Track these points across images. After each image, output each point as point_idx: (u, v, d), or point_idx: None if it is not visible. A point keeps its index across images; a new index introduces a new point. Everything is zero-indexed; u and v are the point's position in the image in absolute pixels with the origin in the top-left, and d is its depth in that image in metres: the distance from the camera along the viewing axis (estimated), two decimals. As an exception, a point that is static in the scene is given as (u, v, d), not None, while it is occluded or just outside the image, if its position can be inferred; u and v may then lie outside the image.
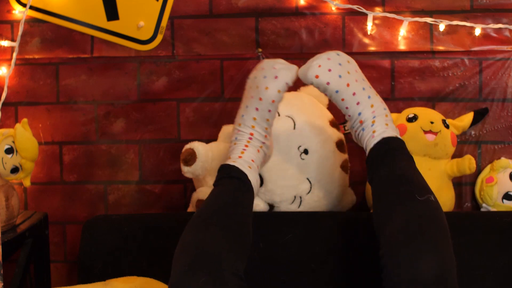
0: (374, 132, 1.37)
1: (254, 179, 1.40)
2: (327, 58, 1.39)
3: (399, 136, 1.38)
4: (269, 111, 1.44)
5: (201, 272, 1.13)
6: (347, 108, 1.41)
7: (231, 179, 1.37)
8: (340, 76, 1.38)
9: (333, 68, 1.39)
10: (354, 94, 1.39)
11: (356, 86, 1.40)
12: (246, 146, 1.44)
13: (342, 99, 1.40)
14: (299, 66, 1.85)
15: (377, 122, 1.38)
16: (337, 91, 1.39)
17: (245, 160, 1.41)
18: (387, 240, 1.17)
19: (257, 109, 1.44)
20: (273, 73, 1.42)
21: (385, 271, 1.14)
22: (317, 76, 1.38)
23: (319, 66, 1.38)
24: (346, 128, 1.44)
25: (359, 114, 1.40)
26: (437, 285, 1.09)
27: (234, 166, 1.38)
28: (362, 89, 1.41)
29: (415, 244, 1.13)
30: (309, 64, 1.40)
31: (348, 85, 1.39)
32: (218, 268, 1.15)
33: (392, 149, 1.35)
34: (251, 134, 1.45)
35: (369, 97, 1.40)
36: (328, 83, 1.38)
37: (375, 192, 1.33)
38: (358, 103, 1.40)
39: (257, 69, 1.47)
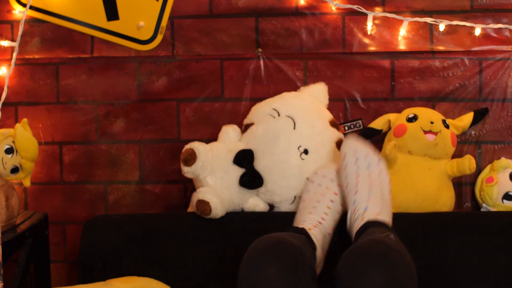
0: (363, 219, 1.38)
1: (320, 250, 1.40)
2: (365, 156, 1.48)
3: (384, 220, 1.37)
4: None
5: (284, 253, 1.16)
6: (347, 195, 1.46)
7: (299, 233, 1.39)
8: (357, 168, 1.46)
9: (360, 164, 1.47)
10: (357, 184, 1.44)
11: (365, 186, 1.44)
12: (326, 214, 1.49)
13: (347, 184, 1.46)
14: (299, 66, 1.86)
15: (368, 210, 1.39)
16: (346, 176, 1.47)
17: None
18: (340, 261, 1.20)
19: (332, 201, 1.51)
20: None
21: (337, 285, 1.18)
22: (344, 158, 1.49)
23: (355, 156, 1.47)
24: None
25: (354, 202, 1.42)
26: None
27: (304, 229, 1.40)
28: (368, 189, 1.43)
29: (365, 259, 1.15)
30: (354, 146, 1.49)
31: (357, 176, 1.45)
32: (300, 255, 1.19)
33: (373, 225, 1.35)
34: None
35: (369, 194, 1.43)
36: (346, 166, 1.47)
37: None
38: (356, 192, 1.43)
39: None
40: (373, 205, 1.40)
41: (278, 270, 1.15)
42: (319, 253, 1.38)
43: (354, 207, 1.42)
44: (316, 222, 1.43)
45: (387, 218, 1.39)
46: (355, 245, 1.22)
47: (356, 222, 1.39)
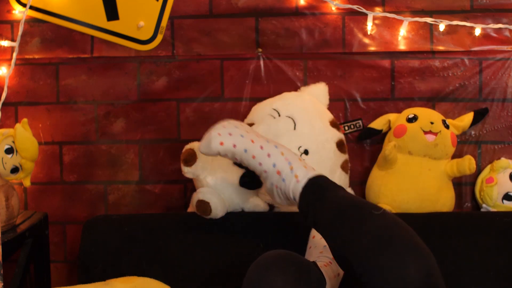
0: (296, 176, 1.34)
1: None
2: (222, 126, 1.41)
3: (321, 173, 1.35)
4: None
5: (292, 263, 1.16)
6: (260, 164, 1.39)
7: None
8: (242, 136, 1.40)
9: (232, 131, 1.40)
10: (261, 147, 1.39)
11: (260, 140, 1.40)
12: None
13: (253, 156, 1.40)
14: (299, 66, 1.86)
15: (294, 167, 1.36)
16: (245, 150, 1.40)
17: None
18: (359, 256, 1.14)
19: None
20: None
21: (365, 278, 1.11)
22: (221, 143, 1.39)
23: (219, 134, 1.39)
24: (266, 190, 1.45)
25: (274, 165, 1.38)
26: (427, 284, 1.08)
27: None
28: (266, 141, 1.41)
29: (395, 249, 1.11)
30: (207, 137, 1.40)
31: (252, 141, 1.40)
32: (307, 273, 1.18)
33: (322, 186, 1.32)
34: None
35: (275, 147, 1.40)
36: (234, 146, 1.39)
37: (325, 229, 1.27)
38: (268, 155, 1.39)
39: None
40: (290, 157, 1.37)
41: (284, 281, 1.12)
42: None
43: (276, 169, 1.37)
44: (327, 262, 1.37)
45: (305, 162, 1.37)
46: (372, 240, 1.14)
47: (287, 182, 1.35)
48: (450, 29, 1.82)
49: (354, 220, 1.21)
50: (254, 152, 1.39)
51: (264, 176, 1.41)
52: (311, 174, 1.34)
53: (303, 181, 1.33)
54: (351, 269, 1.16)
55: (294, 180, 1.34)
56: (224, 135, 1.40)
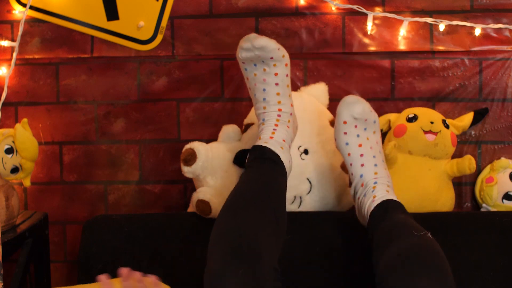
0: (374, 197, 1.39)
1: (286, 160, 1.42)
2: (363, 119, 1.44)
3: (397, 199, 1.39)
4: (287, 75, 1.49)
5: (241, 263, 1.12)
6: (351, 164, 1.46)
7: (264, 161, 1.39)
8: (358, 136, 1.45)
9: (359, 126, 1.45)
10: (361, 155, 1.44)
11: (367, 151, 1.45)
12: (276, 125, 1.47)
13: (349, 154, 1.45)
14: (299, 66, 1.86)
15: (378, 187, 1.41)
16: (347, 143, 1.45)
17: (276, 140, 1.43)
18: (382, 267, 1.18)
19: (277, 84, 1.47)
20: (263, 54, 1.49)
21: None
22: (345, 122, 1.44)
23: (355, 118, 1.43)
24: (350, 193, 1.49)
25: (361, 176, 1.43)
26: None
27: (266, 147, 1.40)
28: (372, 156, 1.45)
29: (412, 266, 1.14)
30: (353, 103, 1.44)
31: (360, 145, 1.44)
32: (257, 259, 1.14)
33: (391, 208, 1.37)
34: (279, 110, 1.47)
35: (375, 165, 1.44)
36: (345, 133, 1.45)
37: (374, 244, 1.31)
38: (362, 165, 1.44)
39: (246, 64, 1.52)
40: (381, 179, 1.42)
41: (239, 284, 1.11)
42: (288, 158, 1.44)
43: (361, 181, 1.43)
44: (275, 120, 1.46)
45: (392, 190, 1.41)
46: (402, 251, 1.19)
47: (366, 198, 1.40)
48: (450, 29, 1.82)
49: (393, 234, 1.27)
50: (352, 152, 1.46)
51: (351, 178, 1.48)
52: (387, 197, 1.39)
53: (377, 201, 1.38)
54: (376, 277, 1.20)
55: (372, 198, 1.40)
56: (352, 123, 1.45)
